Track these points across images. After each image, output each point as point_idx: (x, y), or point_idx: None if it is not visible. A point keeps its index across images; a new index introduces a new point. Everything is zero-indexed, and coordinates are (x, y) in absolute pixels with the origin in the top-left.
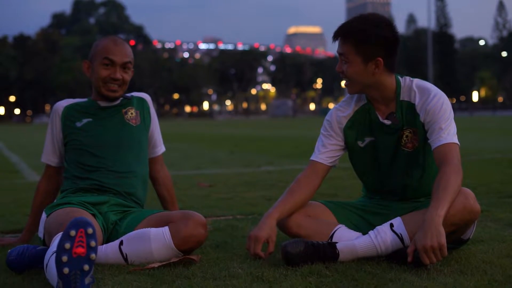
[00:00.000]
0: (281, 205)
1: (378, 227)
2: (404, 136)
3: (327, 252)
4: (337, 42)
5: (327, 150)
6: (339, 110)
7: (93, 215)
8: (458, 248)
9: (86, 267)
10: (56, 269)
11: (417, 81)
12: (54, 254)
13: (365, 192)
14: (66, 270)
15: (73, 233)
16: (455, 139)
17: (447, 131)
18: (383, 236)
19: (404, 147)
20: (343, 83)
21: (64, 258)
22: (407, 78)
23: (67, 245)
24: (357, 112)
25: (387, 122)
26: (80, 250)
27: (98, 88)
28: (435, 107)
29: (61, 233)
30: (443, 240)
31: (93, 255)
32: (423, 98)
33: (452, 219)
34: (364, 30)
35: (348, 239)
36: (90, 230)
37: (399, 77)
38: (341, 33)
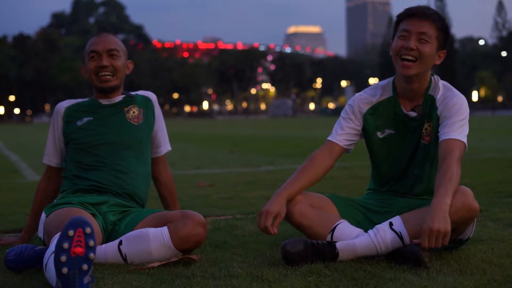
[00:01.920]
0: (291, 183)
1: (377, 226)
2: (424, 128)
3: (326, 251)
4: (409, 21)
5: (344, 132)
6: (363, 96)
7: (93, 215)
8: (458, 248)
9: (85, 266)
10: (55, 269)
11: (445, 82)
12: (53, 254)
13: (372, 185)
14: (64, 270)
15: (71, 233)
16: (463, 139)
17: (459, 129)
18: (382, 235)
19: (423, 139)
20: (344, 82)
21: (63, 258)
22: (437, 77)
23: (66, 245)
24: (381, 103)
25: (413, 114)
26: (79, 250)
27: (93, 83)
28: (454, 105)
29: (60, 233)
30: (449, 227)
31: (91, 255)
32: (445, 94)
33: (452, 217)
34: (445, 22)
35: (349, 234)
36: (88, 230)
37: (431, 75)
38: (430, 14)
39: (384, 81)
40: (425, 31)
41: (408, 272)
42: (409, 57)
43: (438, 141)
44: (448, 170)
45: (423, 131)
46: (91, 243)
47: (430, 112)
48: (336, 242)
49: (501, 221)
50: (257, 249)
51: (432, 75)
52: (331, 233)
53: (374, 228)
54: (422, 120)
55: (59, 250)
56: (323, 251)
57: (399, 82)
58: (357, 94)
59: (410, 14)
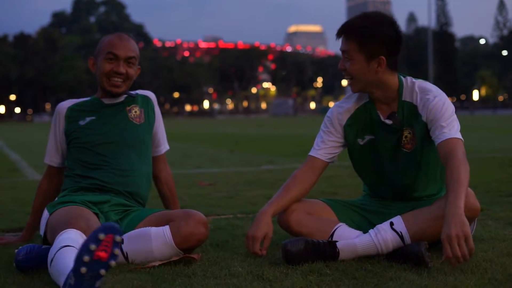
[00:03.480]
0: (275, 202)
1: (378, 226)
2: (404, 136)
3: (327, 250)
4: (340, 41)
5: (326, 146)
6: (340, 107)
7: (96, 214)
8: None
9: (103, 271)
10: (74, 266)
11: (419, 82)
12: (76, 251)
13: (366, 191)
14: (84, 269)
15: (102, 236)
16: (458, 135)
17: (449, 127)
18: (383, 234)
19: (404, 147)
20: (344, 81)
21: (86, 258)
22: (410, 78)
23: (93, 246)
24: (358, 110)
25: (389, 121)
26: (103, 255)
27: (101, 83)
28: (437, 106)
29: (73, 230)
30: (468, 229)
31: (112, 262)
32: (424, 98)
33: None
34: (368, 28)
35: (348, 237)
36: (118, 238)
37: (402, 77)
38: (345, 31)
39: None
40: (345, 49)
41: (409, 271)
42: (346, 78)
43: (424, 148)
44: (454, 172)
45: (403, 139)
46: (117, 251)
47: (409, 120)
48: (337, 241)
49: (502, 220)
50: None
51: (404, 76)
52: (330, 238)
53: (375, 228)
54: (400, 127)
55: (84, 249)
56: (324, 250)
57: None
58: (334, 105)
59: (336, 34)
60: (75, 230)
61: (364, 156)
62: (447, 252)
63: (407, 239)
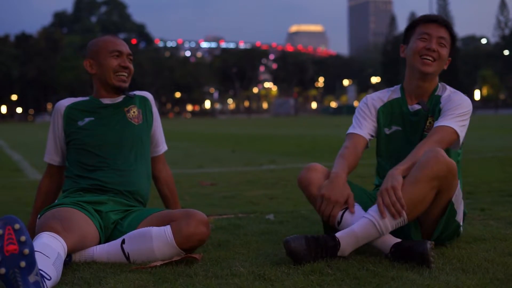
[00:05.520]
0: (342, 166)
1: (371, 207)
2: (428, 122)
3: (328, 242)
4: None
5: (364, 126)
6: (374, 96)
7: (91, 214)
8: (455, 239)
9: (23, 263)
10: None
11: (452, 88)
12: (42, 255)
13: (378, 181)
14: (2, 270)
15: (0, 232)
16: (455, 126)
17: (452, 119)
18: (376, 211)
19: (426, 132)
20: (346, 81)
21: None
22: (443, 83)
23: None
24: (390, 102)
25: (417, 106)
26: (12, 247)
27: (108, 80)
28: (456, 100)
29: (44, 234)
30: (396, 183)
31: (26, 250)
32: (451, 94)
33: (429, 172)
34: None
35: (358, 216)
36: (17, 226)
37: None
38: (447, 24)
39: (392, 87)
40: (444, 36)
41: (410, 271)
42: (429, 58)
43: None
44: (416, 149)
45: (427, 124)
46: (23, 238)
47: (433, 108)
48: (335, 234)
49: (504, 219)
50: (260, 248)
51: (439, 82)
52: (343, 210)
53: (369, 210)
54: (426, 113)
55: None
56: (325, 242)
57: (409, 82)
58: (368, 95)
59: (430, 20)
60: (47, 233)
61: (389, 144)
62: (379, 203)
63: (403, 213)
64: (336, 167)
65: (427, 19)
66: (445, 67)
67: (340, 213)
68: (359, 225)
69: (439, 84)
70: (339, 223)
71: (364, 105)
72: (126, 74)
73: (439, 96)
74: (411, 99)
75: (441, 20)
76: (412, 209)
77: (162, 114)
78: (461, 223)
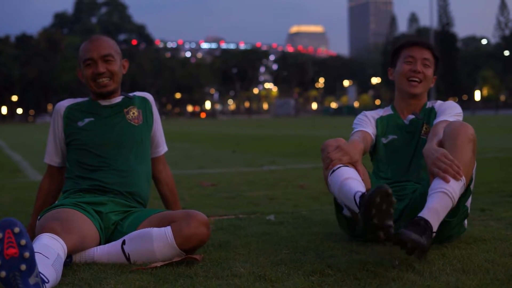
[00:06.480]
0: (358, 139)
1: (435, 187)
2: (424, 128)
3: (427, 226)
4: (412, 49)
5: (368, 127)
6: (368, 112)
7: (91, 214)
8: (460, 235)
9: (23, 266)
10: None
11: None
12: (42, 257)
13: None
14: (3, 274)
15: (0, 235)
16: (452, 119)
17: (453, 116)
18: (452, 185)
19: (422, 136)
20: (346, 82)
21: None
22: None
23: None
24: (385, 116)
25: (411, 116)
26: (12, 251)
27: (90, 88)
28: (450, 104)
29: (44, 235)
30: (442, 150)
31: (26, 254)
32: (441, 103)
33: (465, 136)
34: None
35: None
36: (16, 229)
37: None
38: (429, 45)
39: (383, 108)
40: (428, 57)
41: (411, 272)
42: (416, 79)
43: None
44: (432, 133)
45: (423, 130)
46: (23, 242)
47: (428, 116)
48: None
49: (504, 220)
50: (260, 249)
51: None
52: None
53: (430, 188)
54: (421, 121)
55: None
56: (426, 226)
57: (400, 101)
58: (363, 111)
59: (414, 43)
60: (47, 234)
61: (386, 153)
62: (437, 172)
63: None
64: (353, 139)
65: (410, 43)
66: (432, 85)
67: (340, 165)
68: (433, 201)
69: (428, 101)
70: (333, 171)
71: (362, 115)
72: (105, 78)
73: (431, 107)
74: (404, 114)
75: (424, 43)
76: (465, 172)
77: (164, 114)
78: (469, 210)
